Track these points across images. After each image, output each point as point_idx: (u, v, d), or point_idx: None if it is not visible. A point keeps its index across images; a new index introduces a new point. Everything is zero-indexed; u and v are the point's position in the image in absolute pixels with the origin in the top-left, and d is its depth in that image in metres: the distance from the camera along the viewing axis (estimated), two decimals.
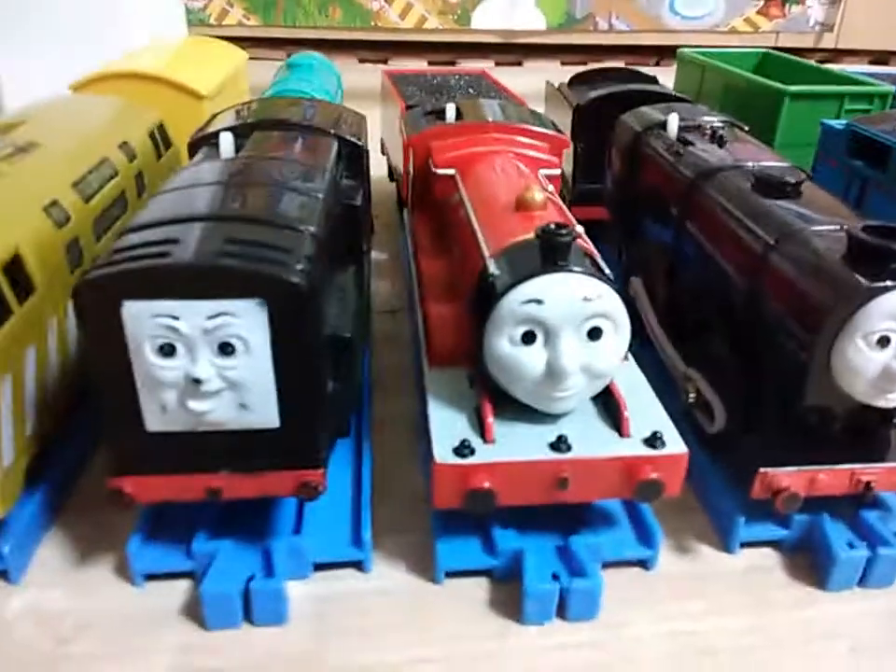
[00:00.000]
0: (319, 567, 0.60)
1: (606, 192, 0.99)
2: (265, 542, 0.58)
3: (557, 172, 0.82)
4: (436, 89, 1.19)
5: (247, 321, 0.49)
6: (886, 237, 0.54)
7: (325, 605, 0.58)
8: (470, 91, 1.18)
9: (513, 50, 3.06)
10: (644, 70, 1.26)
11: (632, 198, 0.91)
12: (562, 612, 0.57)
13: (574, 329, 0.54)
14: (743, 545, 0.63)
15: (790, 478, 0.58)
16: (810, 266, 0.58)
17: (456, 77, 1.29)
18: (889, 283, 0.53)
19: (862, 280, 0.53)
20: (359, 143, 0.81)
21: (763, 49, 1.47)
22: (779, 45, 3.30)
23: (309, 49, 2.92)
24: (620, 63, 2.83)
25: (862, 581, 0.60)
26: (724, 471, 0.66)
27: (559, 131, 0.88)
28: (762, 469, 0.58)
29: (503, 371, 0.56)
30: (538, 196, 0.64)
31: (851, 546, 0.60)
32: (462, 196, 0.73)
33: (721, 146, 0.82)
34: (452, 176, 0.78)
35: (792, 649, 0.56)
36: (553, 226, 0.55)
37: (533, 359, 0.54)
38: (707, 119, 0.90)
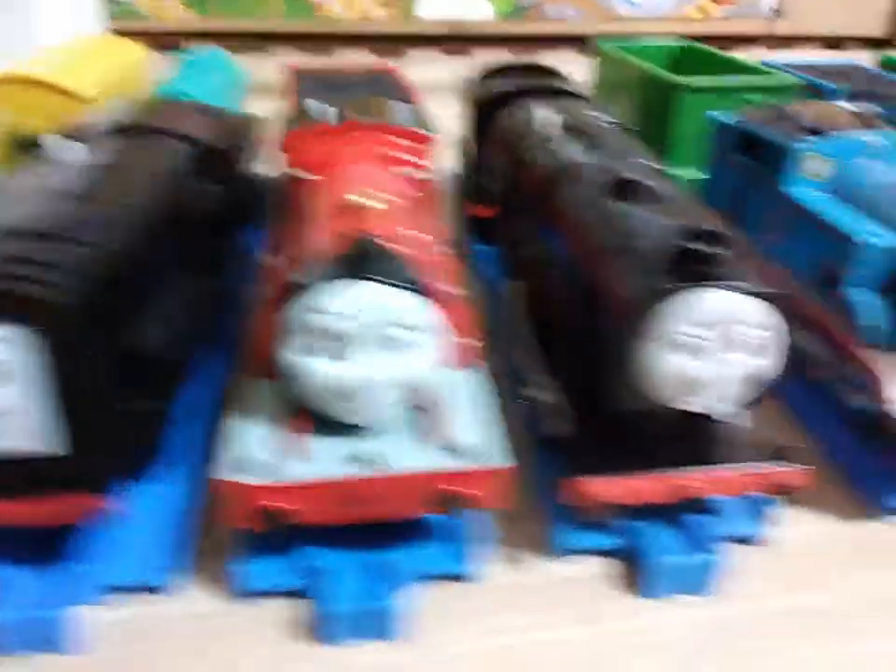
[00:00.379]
0: (124, 590, 0.58)
1: (491, 190, 0.97)
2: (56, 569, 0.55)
3: (429, 175, 0.80)
4: (335, 87, 1.16)
5: (9, 346, 0.47)
6: (703, 240, 0.53)
7: (124, 629, 0.55)
8: (372, 89, 1.16)
9: (462, 41, 3.03)
10: None
11: (507, 196, 0.89)
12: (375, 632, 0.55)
13: (372, 338, 0.52)
14: (572, 553, 0.62)
15: (603, 485, 0.56)
16: (623, 269, 0.56)
17: (361, 74, 1.26)
18: (688, 285, 0.51)
19: (660, 283, 0.52)
20: (219, 146, 0.79)
21: (683, 42, 1.44)
22: (732, 32, 3.29)
23: (254, 41, 2.90)
24: (571, 53, 2.82)
25: (685, 589, 0.59)
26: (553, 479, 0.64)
27: (427, 129, 0.86)
28: (573, 477, 0.56)
29: (295, 381, 0.54)
30: (362, 200, 0.62)
31: (673, 552, 0.58)
32: (304, 199, 0.71)
33: (591, 145, 0.80)
34: (306, 179, 0.76)
35: (613, 661, 0.55)
36: (362, 234, 0.54)
37: (326, 370, 0.52)
38: (590, 116, 0.88)
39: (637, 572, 0.60)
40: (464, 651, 0.55)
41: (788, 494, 0.57)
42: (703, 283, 0.51)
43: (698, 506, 0.61)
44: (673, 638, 0.56)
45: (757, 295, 0.52)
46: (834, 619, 0.58)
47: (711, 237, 0.53)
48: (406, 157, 0.79)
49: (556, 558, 0.62)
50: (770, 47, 3.34)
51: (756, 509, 0.63)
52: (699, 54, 1.38)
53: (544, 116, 0.84)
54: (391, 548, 0.58)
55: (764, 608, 0.59)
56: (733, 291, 0.51)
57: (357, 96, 1.13)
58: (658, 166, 0.75)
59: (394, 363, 0.53)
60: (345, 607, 0.54)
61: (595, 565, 0.62)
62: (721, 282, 0.51)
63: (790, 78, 1.12)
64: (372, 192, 0.64)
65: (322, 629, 0.54)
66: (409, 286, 0.53)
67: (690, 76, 1.17)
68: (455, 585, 0.59)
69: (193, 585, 0.59)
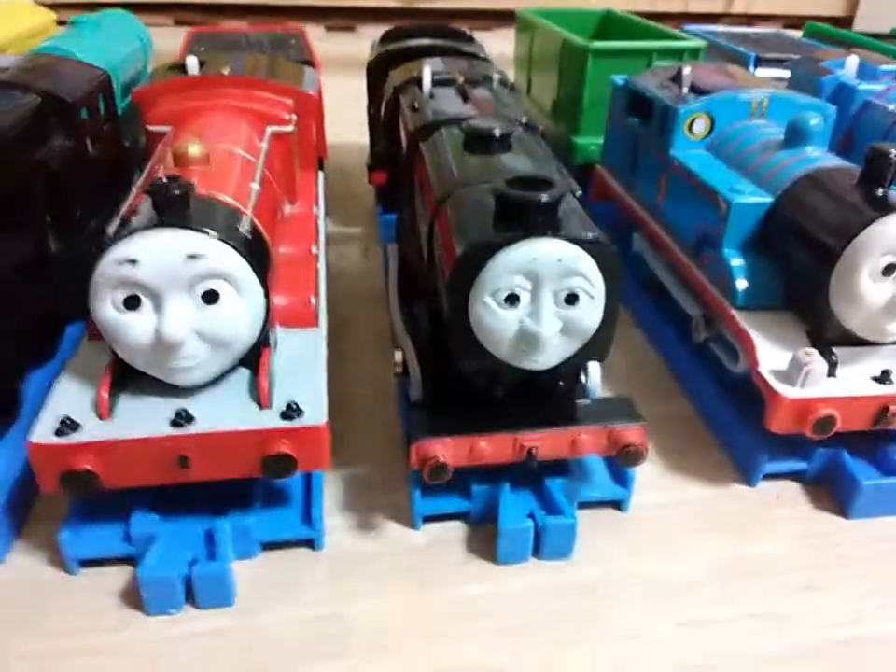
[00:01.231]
0: None
1: (382, 154, 0.94)
2: None
3: (289, 129, 0.77)
4: (231, 48, 1.12)
5: None
6: (530, 189, 0.50)
7: None
8: (271, 50, 1.12)
9: (416, 16, 2.99)
10: None
11: (392, 156, 0.86)
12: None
13: (182, 291, 0.49)
14: (427, 519, 0.60)
15: (442, 447, 0.54)
16: (456, 222, 0.54)
17: (266, 36, 1.22)
18: (515, 236, 0.49)
19: (483, 237, 0.49)
20: (67, 98, 0.75)
21: (606, 8, 1.42)
22: (689, 11, 3.27)
23: (197, 14, 2.82)
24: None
25: (539, 553, 0.57)
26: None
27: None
28: (415, 440, 0.54)
29: (112, 339, 0.50)
30: (192, 150, 0.58)
31: (528, 517, 0.56)
32: (152, 152, 0.67)
33: (464, 100, 0.78)
34: (162, 133, 0.73)
35: (436, 630, 0.52)
36: (163, 179, 0.50)
37: (139, 326, 0.49)
38: (472, 75, 0.86)
39: (491, 537, 0.58)
40: (279, 620, 0.53)
41: (629, 453, 0.55)
42: (527, 233, 0.49)
43: (557, 469, 0.60)
44: (512, 603, 0.54)
45: (582, 243, 0.50)
46: (674, 584, 0.56)
47: (541, 186, 0.50)
48: (269, 112, 0.75)
49: (415, 525, 0.59)
50: (730, 24, 3.33)
51: (615, 473, 0.62)
52: (620, 21, 1.35)
53: (423, 75, 0.81)
54: (229, 514, 0.55)
55: (609, 572, 0.57)
56: (559, 240, 0.49)
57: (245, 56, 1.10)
58: (526, 120, 0.72)
59: (214, 318, 0.50)
60: (172, 572, 0.51)
61: (451, 529, 0.60)
62: (545, 232, 0.49)
63: (694, 42, 1.10)
64: (206, 143, 0.61)
65: (146, 596, 0.52)
66: (218, 234, 0.50)
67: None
68: (298, 552, 0.57)
69: (25, 552, 0.56)
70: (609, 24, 1.40)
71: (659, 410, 0.74)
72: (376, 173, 1.00)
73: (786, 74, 1.06)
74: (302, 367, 0.56)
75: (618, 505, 0.62)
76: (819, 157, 0.69)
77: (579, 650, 0.52)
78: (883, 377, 0.60)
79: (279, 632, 0.52)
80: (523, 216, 0.49)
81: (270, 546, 0.57)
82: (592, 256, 0.50)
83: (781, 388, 0.58)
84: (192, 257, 0.49)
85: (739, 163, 0.73)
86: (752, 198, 0.66)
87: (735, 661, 0.51)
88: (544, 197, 0.49)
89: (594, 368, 0.60)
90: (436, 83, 0.81)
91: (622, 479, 0.61)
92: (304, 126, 0.85)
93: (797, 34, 1.57)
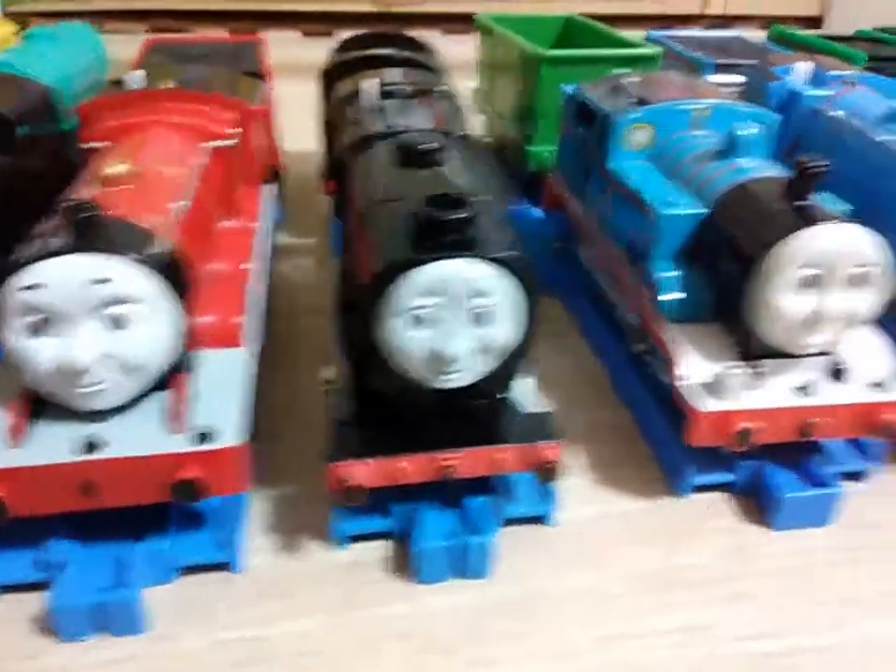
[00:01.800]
0: None
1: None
2: None
3: (229, 143, 0.76)
4: (186, 59, 1.12)
5: None
6: (449, 206, 0.50)
7: None
8: (225, 61, 1.12)
9: (392, 20, 2.99)
10: None
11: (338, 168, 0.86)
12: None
13: (90, 315, 0.49)
14: (354, 539, 0.59)
15: (359, 468, 0.53)
16: (371, 240, 0.54)
17: (222, 46, 1.22)
18: (425, 256, 0.49)
19: (395, 255, 0.49)
20: (5, 115, 0.75)
21: (567, 14, 1.42)
22: (666, 13, 3.28)
23: (172, 21, 2.82)
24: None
25: (457, 572, 0.57)
26: None
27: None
28: (332, 460, 0.54)
29: (17, 366, 0.50)
30: (114, 170, 0.58)
31: (446, 536, 0.56)
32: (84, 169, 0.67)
33: (404, 113, 0.78)
34: (98, 150, 0.72)
35: (357, 650, 0.52)
36: (72, 202, 0.50)
37: (45, 351, 0.49)
38: (419, 85, 0.85)
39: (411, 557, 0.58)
40: (198, 646, 0.52)
41: (546, 470, 0.55)
42: (439, 253, 0.49)
43: (481, 487, 0.60)
44: (433, 623, 0.54)
45: (496, 261, 0.49)
46: (596, 597, 0.56)
47: (456, 204, 0.50)
48: (208, 126, 0.75)
49: (336, 544, 0.59)
50: (705, 28, 3.33)
51: (541, 489, 0.61)
52: (581, 28, 1.35)
53: (367, 86, 0.80)
54: (143, 538, 0.55)
55: (531, 589, 0.57)
56: (468, 259, 0.49)
57: (200, 68, 1.09)
58: (464, 133, 0.72)
59: (123, 342, 0.50)
60: (82, 600, 0.51)
61: (373, 549, 0.59)
62: (456, 251, 0.49)
63: (650, 49, 1.09)
64: (134, 161, 0.61)
65: (58, 623, 0.51)
66: (127, 256, 0.50)
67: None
68: (215, 576, 0.57)
69: None
70: (570, 31, 1.39)
71: (598, 420, 0.74)
72: (329, 182, 1.00)
73: (742, 80, 1.06)
74: (221, 388, 0.56)
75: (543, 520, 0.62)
76: (752, 167, 0.68)
77: (499, 668, 0.52)
78: (805, 389, 0.60)
79: (196, 656, 0.52)
80: (434, 235, 0.49)
81: (188, 570, 0.56)
82: (507, 273, 0.50)
83: (699, 402, 0.58)
84: (98, 281, 0.48)
85: (677, 174, 0.73)
86: (681, 209, 0.66)
87: None
88: (455, 216, 0.49)
89: (524, 383, 0.60)
90: (378, 95, 0.81)
91: (545, 495, 0.61)
92: (248, 139, 0.85)
93: (762, 35, 1.57)
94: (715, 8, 3.27)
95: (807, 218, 0.57)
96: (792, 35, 1.39)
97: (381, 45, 1.13)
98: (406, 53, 1.04)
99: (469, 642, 0.53)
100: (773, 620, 0.55)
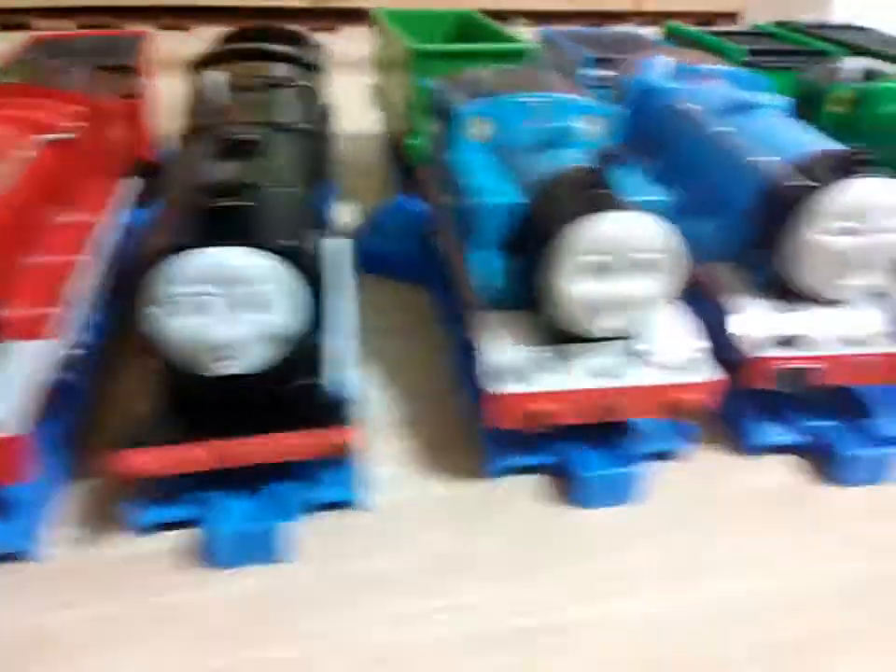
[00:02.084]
0: None
1: None
2: None
3: (67, 136, 0.77)
4: (66, 54, 1.12)
5: None
6: (220, 196, 0.51)
7: None
8: (102, 56, 1.11)
9: (325, 15, 2.99)
10: None
11: None
12: None
13: None
14: (149, 528, 0.59)
15: (145, 457, 0.54)
16: (152, 228, 0.54)
17: (106, 41, 1.22)
18: (194, 242, 0.49)
19: (159, 244, 0.50)
20: None
21: (464, 10, 1.43)
22: (599, 9, 3.31)
23: (104, 18, 2.79)
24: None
25: (251, 559, 0.57)
26: None
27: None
28: (120, 450, 0.54)
29: None
30: None
31: (241, 522, 0.57)
32: None
33: (241, 107, 0.78)
34: None
35: (132, 636, 0.53)
36: None
37: None
38: (273, 79, 0.86)
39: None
40: None
41: (340, 453, 0.56)
42: (208, 240, 0.50)
43: (287, 472, 0.61)
44: (219, 609, 0.55)
45: (270, 250, 0.50)
46: (387, 581, 0.58)
47: (230, 192, 0.51)
48: (44, 120, 0.75)
49: (133, 534, 0.59)
50: (641, 23, 3.38)
51: (352, 475, 0.63)
52: (474, 23, 1.37)
53: (211, 78, 0.81)
54: None
55: (322, 574, 0.58)
56: (238, 247, 0.50)
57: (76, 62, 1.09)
58: (304, 126, 0.73)
59: None
60: None
61: (173, 538, 0.59)
62: (227, 239, 0.50)
63: (523, 44, 1.11)
64: None
65: None
66: None
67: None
68: (8, 566, 0.57)
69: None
70: (465, 26, 1.41)
71: (434, 408, 0.76)
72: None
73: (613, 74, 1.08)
74: (13, 379, 0.56)
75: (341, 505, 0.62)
76: (576, 159, 0.70)
77: (277, 650, 0.52)
78: (605, 371, 0.62)
79: None
80: (207, 222, 0.50)
81: None
82: (282, 262, 0.51)
83: (494, 386, 0.60)
84: None
85: (511, 165, 0.74)
86: (498, 199, 0.67)
87: (418, 650, 0.53)
88: (226, 203, 0.50)
89: (344, 369, 0.61)
90: (224, 88, 0.81)
91: (354, 480, 0.62)
92: (97, 134, 0.85)
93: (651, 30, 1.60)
94: (648, 5, 3.32)
95: (594, 206, 0.58)
96: (686, 31, 1.42)
97: (259, 39, 1.14)
98: (279, 48, 1.04)
99: (250, 629, 0.54)
100: (549, 597, 0.57)
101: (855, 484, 0.68)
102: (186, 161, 0.66)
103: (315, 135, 0.76)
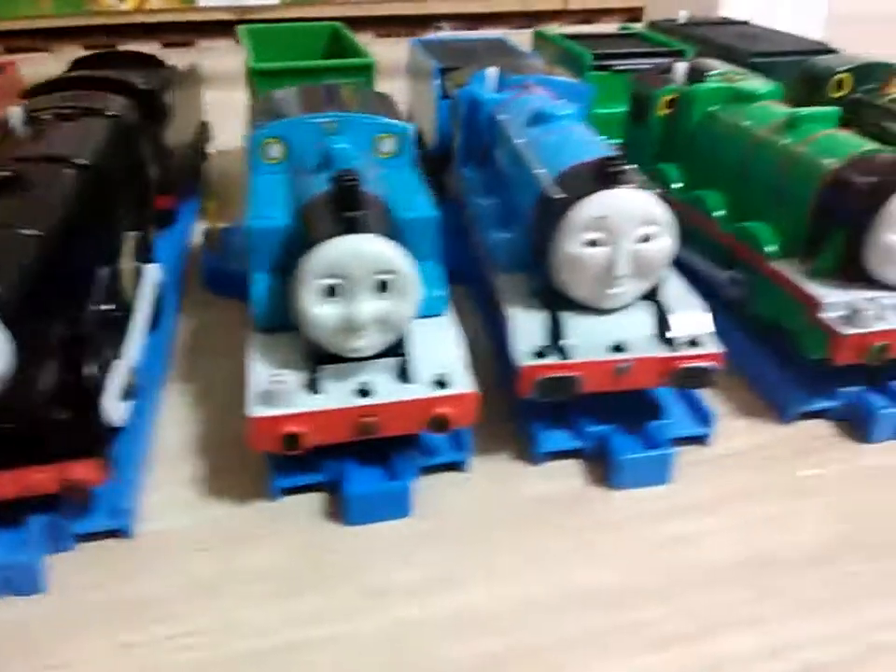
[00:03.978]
0: None
1: None
2: None
3: None
4: None
5: None
6: None
7: None
8: None
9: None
10: None
11: None
12: None
13: None
14: None
15: None
16: None
17: None
18: None
19: None
20: None
21: (333, 24, 1.44)
22: (526, 9, 3.33)
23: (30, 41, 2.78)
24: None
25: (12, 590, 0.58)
26: None
27: None
28: None
29: None
30: None
31: None
32: None
33: (37, 139, 0.79)
34: None
35: None
36: None
37: None
38: (84, 108, 0.86)
39: None
40: None
41: (83, 487, 0.57)
42: None
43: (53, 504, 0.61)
44: None
45: None
46: (138, 605, 0.59)
47: None
48: None
49: None
50: (572, 22, 3.40)
51: (120, 502, 0.64)
52: (342, 38, 1.37)
53: (12, 111, 0.81)
54: None
55: (73, 600, 0.59)
56: None
57: None
58: (84, 162, 0.74)
59: None
60: None
61: None
62: None
63: (364, 60, 1.12)
64: None
65: None
66: None
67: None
68: None
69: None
70: (336, 41, 1.41)
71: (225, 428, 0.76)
72: None
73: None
74: None
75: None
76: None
77: None
78: (364, 389, 0.63)
79: None
80: None
81: None
82: None
83: (251, 409, 0.61)
84: None
85: (298, 187, 0.75)
86: (265, 222, 0.68)
87: None
88: None
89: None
90: (22, 120, 0.82)
91: (120, 509, 0.63)
92: None
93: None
94: (575, 3, 3.34)
95: (334, 231, 0.60)
96: (551, 36, 1.43)
97: (116, 63, 1.14)
98: (115, 75, 1.04)
99: None
100: (314, 612, 0.58)
101: (629, 487, 0.70)
102: None
103: (96, 169, 0.76)
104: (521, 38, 1.52)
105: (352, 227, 0.60)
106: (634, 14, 3.42)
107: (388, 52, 1.47)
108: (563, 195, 0.66)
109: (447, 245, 0.73)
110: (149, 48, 3.01)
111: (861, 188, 0.72)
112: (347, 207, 0.61)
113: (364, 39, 3.04)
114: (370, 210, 0.62)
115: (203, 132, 1.39)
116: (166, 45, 2.97)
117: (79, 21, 2.84)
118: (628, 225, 0.65)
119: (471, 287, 0.96)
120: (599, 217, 0.64)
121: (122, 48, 2.97)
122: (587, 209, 0.64)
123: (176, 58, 1.43)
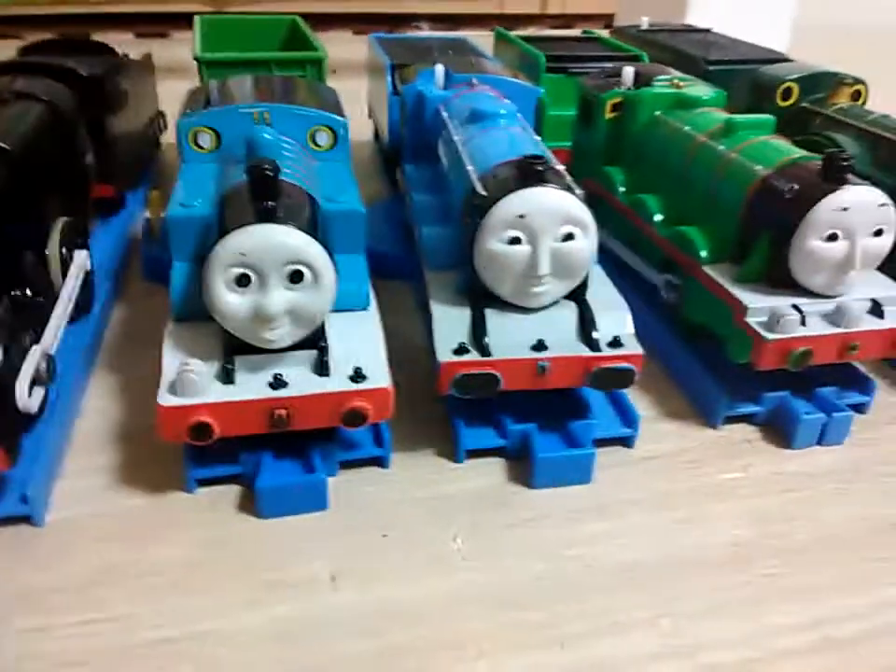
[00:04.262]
0: None
1: None
2: None
3: None
4: None
5: None
6: None
7: None
8: None
9: None
10: None
11: None
12: None
13: None
14: None
15: None
16: None
17: None
18: None
19: None
20: None
21: (291, 17, 1.44)
22: (505, 11, 3.34)
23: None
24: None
25: None
26: None
27: None
28: None
29: None
30: None
31: None
32: None
33: None
34: None
35: None
36: None
37: None
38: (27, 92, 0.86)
39: None
40: None
41: None
42: None
43: None
44: None
45: None
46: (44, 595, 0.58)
47: None
48: None
49: None
50: (550, 26, 3.41)
51: (27, 489, 0.62)
52: (298, 31, 1.37)
53: None
54: None
55: None
56: None
57: None
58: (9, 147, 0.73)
59: None
60: None
61: None
62: None
63: (314, 54, 1.11)
64: None
65: None
66: None
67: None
68: None
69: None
70: (291, 32, 1.41)
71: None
72: None
73: None
74: None
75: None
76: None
77: None
78: (281, 381, 0.62)
79: None
80: None
81: None
82: None
83: (160, 399, 0.60)
84: None
85: (223, 175, 0.74)
86: (184, 210, 0.67)
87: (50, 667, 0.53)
88: None
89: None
90: None
91: (27, 496, 0.62)
92: None
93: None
94: (554, 8, 3.35)
95: (243, 220, 0.59)
96: (510, 37, 1.43)
97: (55, 52, 1.13)
98: (56, 60, 1.02)
99: None
100: (205, 606, 0.58)
101: (549, 486, 0.70)
102: None
103: (20, 154, 0.74)
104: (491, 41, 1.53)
105: (264, 216, 0.59)
106: (612, 20, 3.44)
107: (364, 50, 1.46)
108: (485, 193, 0.66)
109: (396, 240, 0.72)
110: (123, 38, 3.01)
111: (787, 194, 0.73)
112: (262, 196, 0.61)
113: (343, 36, 3.07)
114: (287, 200, 0.62)
115: (156, 121, 1.37)
116: (139, 35, 2.95)
117: (53, 10, 2.82)
118: (549, 223, 0.65)
119: (416, 282, 0.96)
120: (520, 215, 0.64)
121: (97, 38, 2.98)
122: (508, 207, 0.64)
123: (147, 48, 1.42)
